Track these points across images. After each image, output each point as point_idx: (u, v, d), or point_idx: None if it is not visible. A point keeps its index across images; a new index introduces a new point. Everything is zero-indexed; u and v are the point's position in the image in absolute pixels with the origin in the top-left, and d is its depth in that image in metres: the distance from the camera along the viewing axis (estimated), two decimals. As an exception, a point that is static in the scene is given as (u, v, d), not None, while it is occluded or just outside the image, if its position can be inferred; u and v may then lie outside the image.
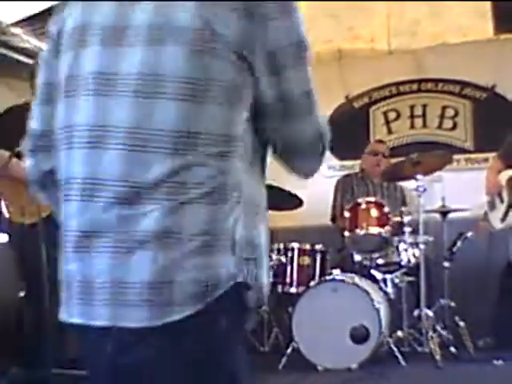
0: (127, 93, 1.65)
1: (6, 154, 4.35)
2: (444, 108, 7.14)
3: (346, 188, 6.59)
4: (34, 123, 1.87)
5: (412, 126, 7.24)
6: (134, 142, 1.63)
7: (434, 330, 5.38)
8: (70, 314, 1.72)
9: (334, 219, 6.56)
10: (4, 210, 4.54)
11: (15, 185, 4.53)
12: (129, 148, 1.63)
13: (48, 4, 5.66)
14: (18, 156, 4.37)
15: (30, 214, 4.42)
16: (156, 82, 1.63)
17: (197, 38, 1.62)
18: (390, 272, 5.74)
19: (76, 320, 1.70)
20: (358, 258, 5.75)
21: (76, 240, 1.68)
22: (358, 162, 6.88)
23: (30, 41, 5.98)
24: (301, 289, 5.68)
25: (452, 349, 5.42)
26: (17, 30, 5.84)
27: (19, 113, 4.62)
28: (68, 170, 1.72)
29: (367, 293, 5.29)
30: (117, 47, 1.67)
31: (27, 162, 1.89)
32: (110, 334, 1.64)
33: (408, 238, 5.64)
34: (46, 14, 5.71)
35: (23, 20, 5.73)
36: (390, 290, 5.71)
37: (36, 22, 5.80)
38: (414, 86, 7.24)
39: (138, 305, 1.61)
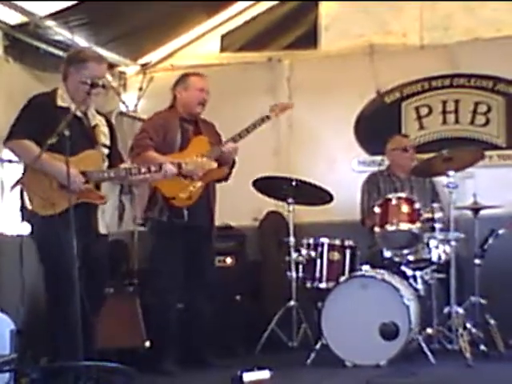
0: None
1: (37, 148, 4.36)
2: (477, 104, 7.06)
3: (371, 188, 6.52)
4: None
5: (444, 122, 7.17)
6: None
7: (465, 328, 5.34)
8: None
9: (363, 221, 6.49)
10: (27, 201, 4.51)
11: (39, 176, 4.52)
12: None
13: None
14: (50, 149, 4.35)
15: (51, 205, 4.41)
16: None
17: None
18: (421, 269, 5.71)
19: None
20: (388, 254, 5.72)
21: None
22: (389, 157, 6.83)
23: (62, 33, 6.01)
24: (330, 284, 5.66)
25: (482, 347, 5.38)
26: (50, 23, 5.87)
27: (47, 102, 4.62)
28: None
29: (397, 289, 5.26)
30: None
31: None
32: None
33: (439, 235, 5.60)
34: (79, 6, 5.76)
35: (56, 12, 5.76)
36: (420, 286, 5.68)
37: (69, 14, 5.83)
38: (447, 82, 7.16)
39: None
